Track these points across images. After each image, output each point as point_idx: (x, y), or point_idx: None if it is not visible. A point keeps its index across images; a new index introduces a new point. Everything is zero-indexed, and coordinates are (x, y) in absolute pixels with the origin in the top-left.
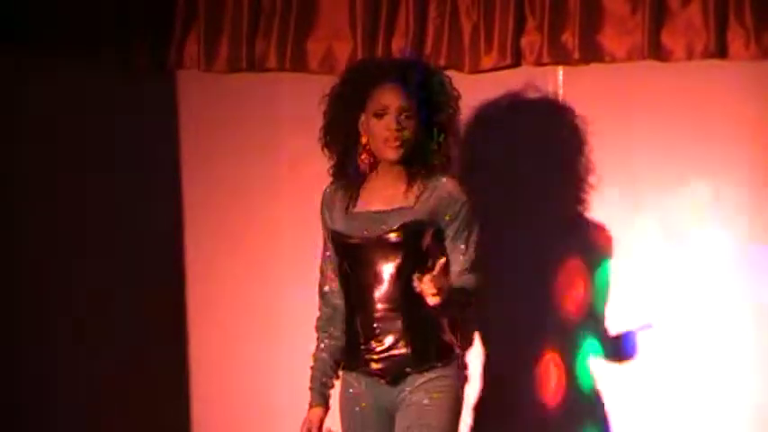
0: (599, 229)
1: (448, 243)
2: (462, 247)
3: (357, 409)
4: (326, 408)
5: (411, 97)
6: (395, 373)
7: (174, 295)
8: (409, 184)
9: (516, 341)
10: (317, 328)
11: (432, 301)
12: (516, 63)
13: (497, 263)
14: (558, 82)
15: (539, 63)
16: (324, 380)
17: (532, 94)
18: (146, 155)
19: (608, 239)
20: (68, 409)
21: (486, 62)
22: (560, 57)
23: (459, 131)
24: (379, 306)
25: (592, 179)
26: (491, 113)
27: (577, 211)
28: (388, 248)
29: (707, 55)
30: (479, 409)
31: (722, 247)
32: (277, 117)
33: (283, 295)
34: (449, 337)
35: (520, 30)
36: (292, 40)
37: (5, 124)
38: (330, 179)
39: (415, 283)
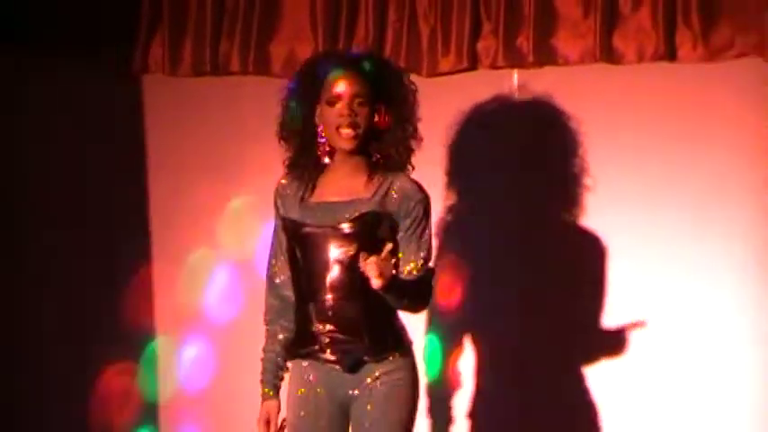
0: (569, 226)
1: (401, 239)
2: (415, 244)
3: (309, 404)
4: (279, 399)
5: (364, 85)
6: (351, 361)
7: (143, 291)
8: (369, 177)
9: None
10: (267, 322)
11: (375, 283)
12: (473, 66)
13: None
14: (514, 85)
15: (494, 66)
16: (277, 372)
17: (494, 97)
18: (114, 156)
19: (573, 235)
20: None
21: (444, 66)
22: (515, 60)
23: (418, 125)
24: (334, 295)
25: (556, 177)
26: (450, 116)
27: (543, 209)
28: (342, 238)
29: (657, 57)
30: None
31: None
32: (241, 120)
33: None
34: (401, 329)
35: (476, 34)
36: (255, 44)
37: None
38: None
39: (360, 263)
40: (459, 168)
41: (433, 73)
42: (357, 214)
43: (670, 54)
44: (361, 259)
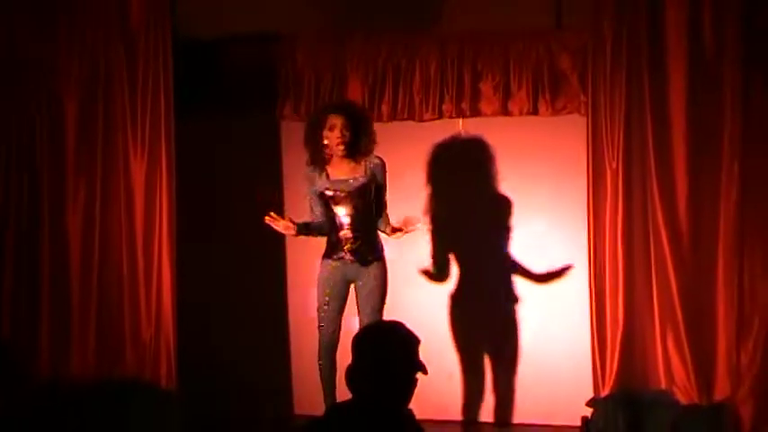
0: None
1: (380, 189)
2: (385, 192)
3: (332, 282)
4: (294, 226)
5: (347, 119)
6: (363, 258)
7: (279, 272)
8: (354, 163)
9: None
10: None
11: (398, 237)
12: (440, 116)
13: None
14: (460, 126)
15: (451, 116)
16: (302, 229)
17: (449, 133)
18: (266, 165)
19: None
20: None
21: (426, 116)
22: (461, 114)
23: (374, 134)
24: (352, 226)
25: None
26: (428, 139)
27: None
28: (353, 195)
29: (528, 113)
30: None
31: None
32: None
33: None
34: (381, 246)
35: (441, 102)
36: (336, 98)
37: (202, 156)
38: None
39: (403, 226)
40: (435, 166)
41: (421, 120)
42: (359, 184)
43: (535, 112)
44: (404, 224)
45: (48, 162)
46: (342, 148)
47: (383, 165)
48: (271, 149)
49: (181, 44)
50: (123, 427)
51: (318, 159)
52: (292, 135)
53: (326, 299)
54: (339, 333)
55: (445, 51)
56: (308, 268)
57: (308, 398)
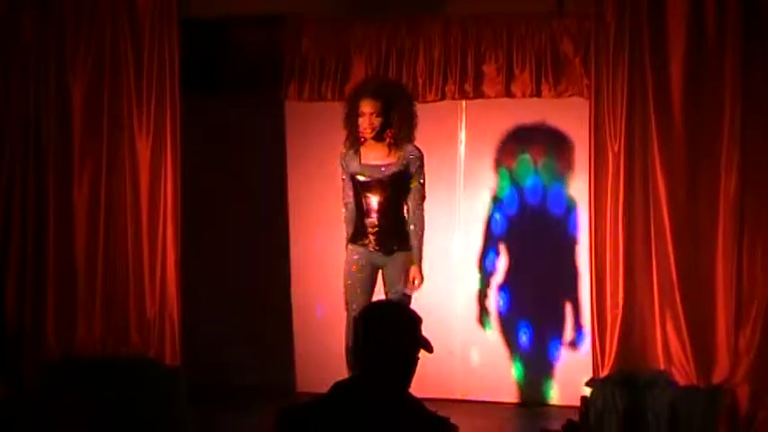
0: None
1: (413, 182)
2: (421, 185)
3: (355, 268)
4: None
5: (378, 103)
6: (387, 247)
7: (283, 251)
8: (389, 150)
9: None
10: (344, 208)
11: (417, 285)
12: (443, 98)
13: None
14: (463, 108)
15: (454, 98)
16: (349, 230)
17: (451, 113)
18: (271, 143)
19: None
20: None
21: (429, 97)
22: (464, 96)
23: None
24: (379, 214)
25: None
26: (431, 118)
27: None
28: (384, 184)
29: (531, 95)
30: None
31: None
32: (333, 120)
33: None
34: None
35: (445, 83)
36: (339, 86)
37: (208, 135)
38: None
39: (410, 285)
40: (434, 138)
41: (424, 101)
42: (391, 172)
43: (538, 94)
44: (411, 283)
45: (54, 141)
46: (370, 132)
47: (421, 157)
48: (275, 130)
49: (186, 25)
50: (129, 404)
51: (353, 141)
52: (296, 116)
53: (354, 288)
54: None
55: (449, 33)
56: (312, 249)
57: (310, 376)
